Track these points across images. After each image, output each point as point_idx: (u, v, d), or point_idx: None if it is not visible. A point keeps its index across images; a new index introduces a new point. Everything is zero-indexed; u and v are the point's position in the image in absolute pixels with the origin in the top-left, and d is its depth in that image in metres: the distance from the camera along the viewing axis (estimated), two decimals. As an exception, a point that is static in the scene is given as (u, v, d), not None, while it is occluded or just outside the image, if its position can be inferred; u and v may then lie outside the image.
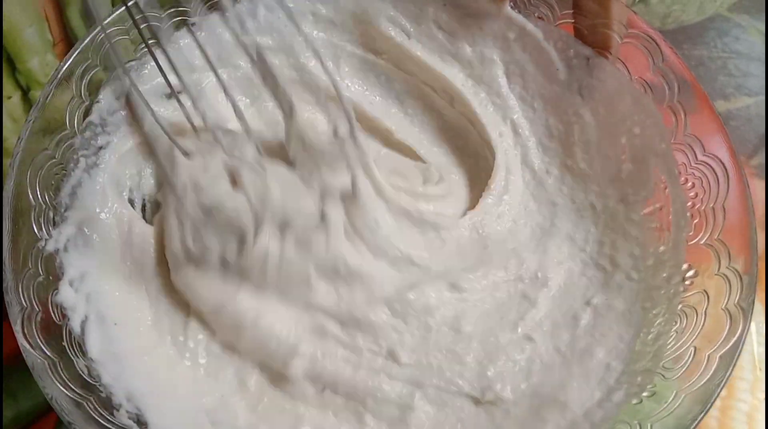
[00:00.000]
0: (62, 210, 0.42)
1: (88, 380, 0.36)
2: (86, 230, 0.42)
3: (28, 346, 0.34)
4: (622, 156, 0.45)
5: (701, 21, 0.63)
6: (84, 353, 0.37)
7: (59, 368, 0.35)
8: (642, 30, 0.44)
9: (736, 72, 0.61)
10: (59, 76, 0.43)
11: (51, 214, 0.41)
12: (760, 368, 0.43)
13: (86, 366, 0.36)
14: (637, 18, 0.44)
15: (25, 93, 0.56)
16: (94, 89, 0.45)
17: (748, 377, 0.43)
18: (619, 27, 0.44)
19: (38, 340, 0.35)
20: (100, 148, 0.46)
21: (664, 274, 0.41)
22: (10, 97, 0.54)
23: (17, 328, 0.35)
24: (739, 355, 0.34)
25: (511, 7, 0.48)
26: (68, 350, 0.36)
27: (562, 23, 0.47)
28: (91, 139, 0.45)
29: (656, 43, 0.43)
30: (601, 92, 0.46)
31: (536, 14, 0.48)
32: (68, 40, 0.59)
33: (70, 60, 0.43)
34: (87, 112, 0.45)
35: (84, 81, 0.45)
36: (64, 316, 0.38)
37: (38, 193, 0.41)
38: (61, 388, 0.34)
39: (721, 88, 0.60)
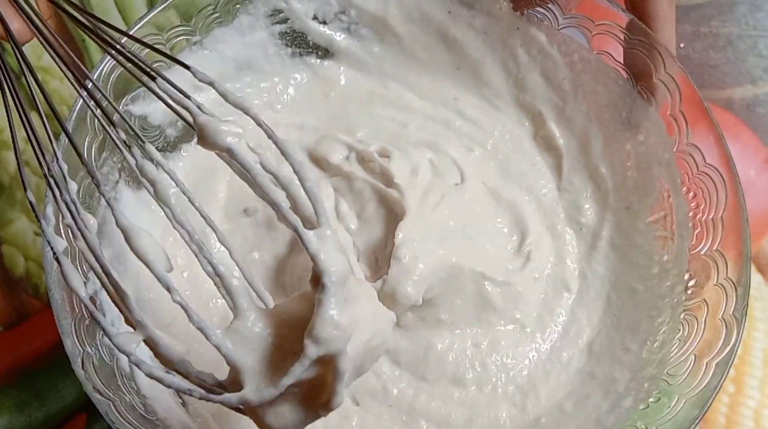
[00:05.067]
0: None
1: (146, 416, 0.43)
2: (117, 267, 0.49)
3: (92, 390, 0.42)
4: (628, 163, 0.52)
5: (732, -7, 0.63)
6: (137, 390, 0.44)
7: (118, 407, 0.43)
8: (646, 37, 0.50)
9: (767, 52, 0.63)
10: (74, 116, 0.48)
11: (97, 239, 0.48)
12: (769, 365, 0.51)
13: (141, 403, 0.44)
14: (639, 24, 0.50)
15: (17, 77, 0.60)
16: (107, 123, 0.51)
17: (758, 374, 0.50)
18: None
19: (99, 382, 0.42)
20: (117, 182, 0.52)
21: (668, 283, 0.48)
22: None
23: (79, 373, 0.42)
24: (732, 362, 0.42)
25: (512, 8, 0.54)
26: (123, 389, 0.44)
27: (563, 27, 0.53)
28: (109, 173, 0.51)
29: (659, 52, 0.49)
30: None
31: (538, 17, 0.54)
32: (58, 17, 0.62)
33: (81, 102, 0.49)
34: (102, 147, 0.51)
35: (98, 113, 0.50)
36: (113, 355, 0.46)
37: (68, 236, 0.47)
38: (128, 425, 0.41)
39: (749, 70, 0.62)
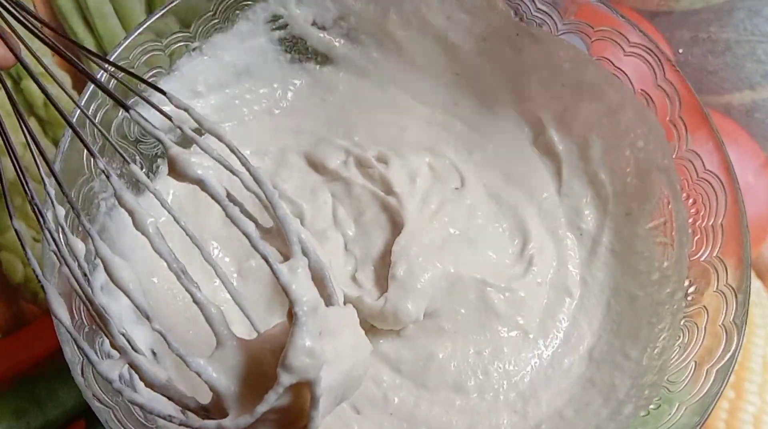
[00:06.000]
0: (92, 257, 0.49)
1: (145, 423, 0.43)
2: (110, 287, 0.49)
3: (91, 397, 0.42)
4: (627, 169, 0.52)
5: (730, -1, 0.64)
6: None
7: (117, 415, 0.43)
8: (646, 42, 0.50)
9: (765, 58, 0.63)
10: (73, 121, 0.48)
11: (85, 264, 0.48)
12: (768, 371, 0.52)
13: (141, 410, 0.44)
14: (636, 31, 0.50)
15: (17, 83, 0.60)
16: (106, 130, 0.51)
17: (757, 380, 0.50)
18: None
19: (98, 389, 0.42)
20: (113, 194, 0.52)
21: (668, 290, 0.48)
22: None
23: (79, 380, 0.42)
24: (732, 369, 0.42)
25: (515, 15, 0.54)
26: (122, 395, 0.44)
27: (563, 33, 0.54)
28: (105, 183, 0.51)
29: (658, 58, 0.50)
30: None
31: (537, 23, 0.54)
32: (56, 22, 0.63)
33: (82, 102, 0.49)
34: (102, 153, 0.51)
35: (96, 120, 0.50)
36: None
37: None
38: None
39: (748, 76, 0.63)
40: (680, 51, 0.65)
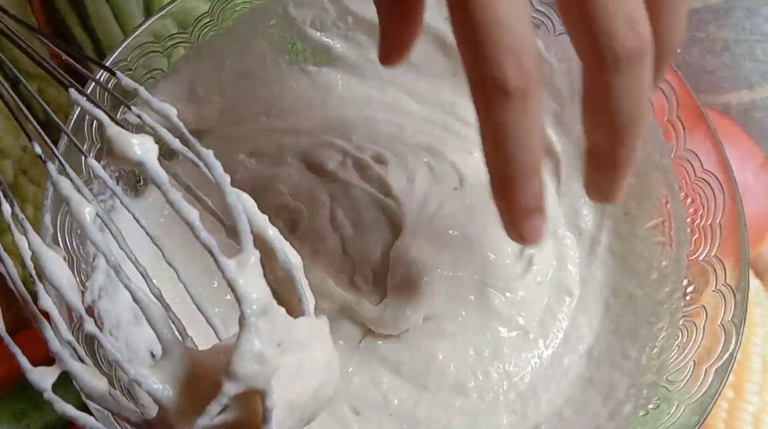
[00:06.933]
0: (91, 259, 0.49)
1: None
2: (112, 276, 0.49)
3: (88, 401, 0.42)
4: (626, 169, 0.52)
5: (729, -3, 0.64)
6: (136, 401, 0.44)
7: (118, 420, 0.43)
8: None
9: (764, 57, 0.63)
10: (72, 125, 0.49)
11: (83, 265, 0.48)
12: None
13: (140, 412, 0.44)
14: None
15: (14, 84, 0.60)
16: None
17: (757, 379, 0.50)
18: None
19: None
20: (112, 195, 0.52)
21: (667, 289, 0.48)
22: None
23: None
24: (731, 368, 0.42)
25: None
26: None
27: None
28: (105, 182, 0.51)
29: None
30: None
31: (535, 23, 0.54)
32: (55, 25, 0.62)
33: (79, 108, 0.49)
34: (99, 156, 0.51)
35: (95, 124, 0.50)
36: (111, 366, 0.46)
37: (68, 244, 0.48)
38: (127, 438, 0.41)
39: (747, 75, 0.63)
40: (678, 51, 0.65)
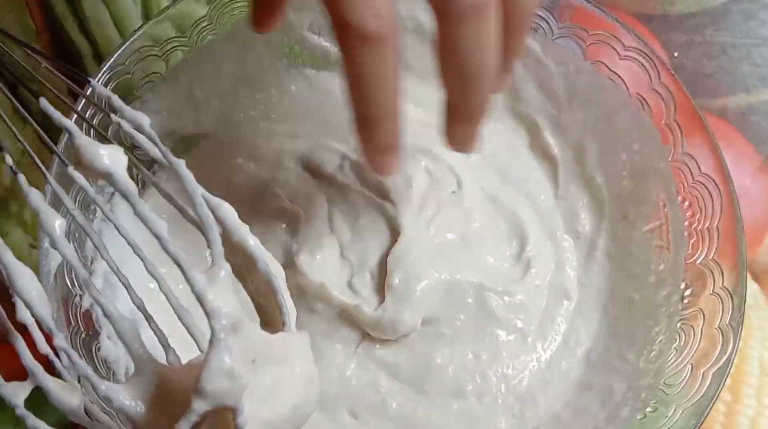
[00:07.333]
0: (89, 263, 0.49)
1: (143, 430, 0.43)
2: (112, 281, 0.49)
3: (89, 403, 0.42)
4: (623, 172, 0.53)
5: (725, 2, 0.65)
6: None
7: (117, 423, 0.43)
8: (641, 46, 0.50)
9: (761, 61, 0.64)
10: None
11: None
12: (765, 373, 0.51)
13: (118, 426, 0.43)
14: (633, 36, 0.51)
15: (13, 88, 0.60)
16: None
17: (755, 382, 0.50)
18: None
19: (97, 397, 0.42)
20: (113, 194, 0.52)
21: (664, 292, 0.48)
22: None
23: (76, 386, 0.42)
24: (729, 371, 0.42)
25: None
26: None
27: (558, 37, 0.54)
28: (105, 186, 0.51)
29: (653, 61, 0.50)
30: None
31: (532, 27, 0.54)
32: (53, 29, 0.62)
33: (79, 107, 0.49)
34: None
35: (91, 132, 0.50)
36: (110, 369, 0.46)
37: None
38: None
39: (744, 79, 0.63)
40: (675, 54, 0.65)
